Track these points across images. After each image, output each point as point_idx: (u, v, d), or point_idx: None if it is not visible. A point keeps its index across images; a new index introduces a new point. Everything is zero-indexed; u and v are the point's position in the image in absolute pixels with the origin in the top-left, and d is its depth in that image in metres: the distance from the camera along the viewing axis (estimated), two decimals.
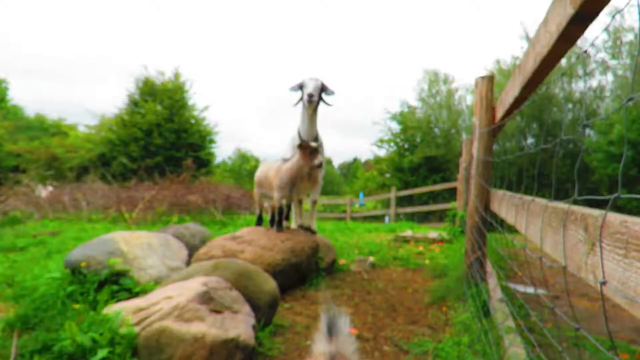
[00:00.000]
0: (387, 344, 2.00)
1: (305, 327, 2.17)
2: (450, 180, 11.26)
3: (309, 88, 3.15)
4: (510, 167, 8.80)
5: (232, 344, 1.59)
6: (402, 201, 12.15)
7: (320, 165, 2.88)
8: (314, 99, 3.15)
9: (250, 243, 2.90)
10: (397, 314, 2.47)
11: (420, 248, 4.69)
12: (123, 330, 1.56)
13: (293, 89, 3.29)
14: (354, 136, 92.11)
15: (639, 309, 0.56)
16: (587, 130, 10.11)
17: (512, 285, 2.22)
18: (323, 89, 3.24)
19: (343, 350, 0.92)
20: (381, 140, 14.86)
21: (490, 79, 2.50)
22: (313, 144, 2.90)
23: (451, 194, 9.36)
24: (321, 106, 3.31)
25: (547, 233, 0.99)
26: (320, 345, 0.94)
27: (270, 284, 2.18)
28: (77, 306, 2.03)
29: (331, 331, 0.93)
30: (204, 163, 14.31)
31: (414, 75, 44.77)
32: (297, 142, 2.99)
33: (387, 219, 11.12)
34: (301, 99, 3.24)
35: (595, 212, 0.71)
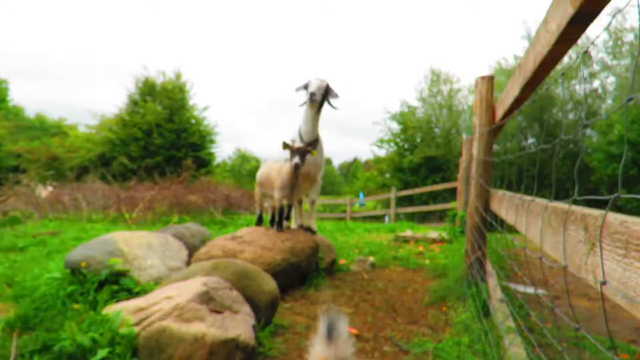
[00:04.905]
0: (387, 344, 2.00)
1: (305, 327, 2.17)
2: (450, 180, 11.27)
3: (312, 87, 3.17)
4: (511, 167, 8.79)
5: (232, 344, 1.59)
6: (402, 201, 12.16)
7: (297, 166, 2.89)
8: (315, 98, 3.15)
9: (250, 243, 2.90)
10: (397, 314, 2.46)
11: (420, 248, 4.69)
12: (123, 330, 1.56)
13: (299, 89, 3.31)
14: (354, 136, 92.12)
15: (639, 309, 0.56)
16: (588, 131, 10.11)
17: (512, 285, 2.22)
18: (327, 90, 3.25)
19: (341, 354, 0.91)
20: (381, 140, 14.87)
21: (490, 79, 2.50)
22: (297, 145, 2.91)
23: (451, 194, 9.37)
24: (324, 107, 3.32)
25: (547, 233, 0.99)
26: (318, 347, 0.93)
27: (270, 284, 2.18)
28: (77, 306, 2.03)
29: (331, 334, 0.92)
30: (204, 163, 14.31)
31: (414, 76, 44.79)
32: (298, 142, 2.99)
33: (387, 219, 11.12)
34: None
35: (595, 212, 0.71)
